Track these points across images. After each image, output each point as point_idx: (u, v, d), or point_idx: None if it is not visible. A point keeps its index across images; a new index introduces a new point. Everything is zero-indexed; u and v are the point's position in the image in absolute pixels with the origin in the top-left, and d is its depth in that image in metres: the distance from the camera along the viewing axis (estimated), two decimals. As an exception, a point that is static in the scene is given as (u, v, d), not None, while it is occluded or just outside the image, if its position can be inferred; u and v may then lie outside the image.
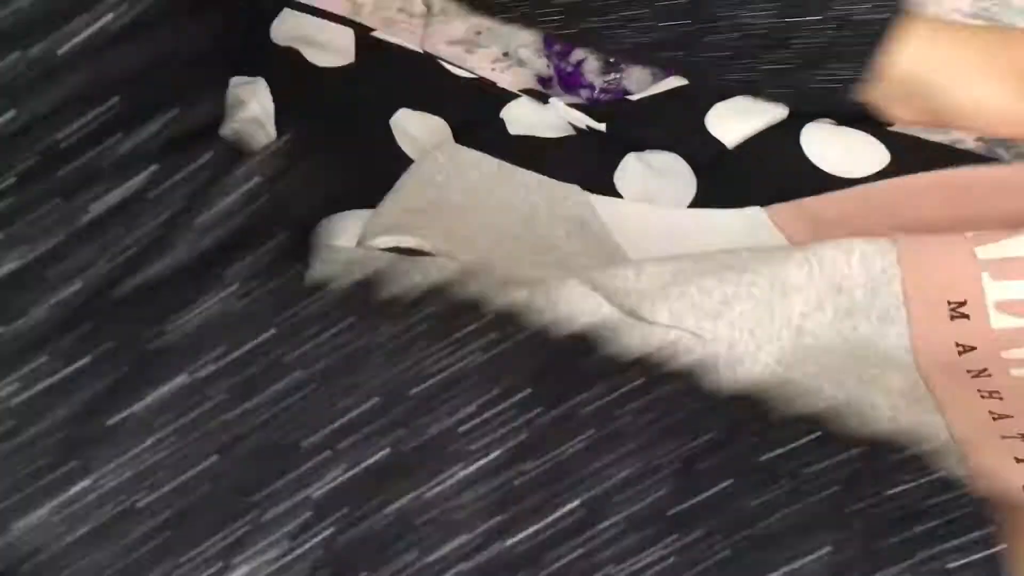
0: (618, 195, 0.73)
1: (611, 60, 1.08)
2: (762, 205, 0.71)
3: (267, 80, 0.75)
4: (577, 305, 0.54)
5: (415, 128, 0.75)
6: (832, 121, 0.79)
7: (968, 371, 0.50)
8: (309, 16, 0.81)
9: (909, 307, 0.53)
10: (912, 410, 0.49)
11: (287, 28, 0.79)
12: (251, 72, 0.75)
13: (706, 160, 0.75)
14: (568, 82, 1.04)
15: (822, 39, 0.52)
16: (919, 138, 0.80)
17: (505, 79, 1.07)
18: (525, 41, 1.14)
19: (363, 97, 0.76)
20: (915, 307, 0.52)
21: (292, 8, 0.81)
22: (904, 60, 0.52)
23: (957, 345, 0.51)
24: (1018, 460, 0.45)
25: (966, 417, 0.47)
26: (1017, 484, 0.44)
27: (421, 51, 0.87)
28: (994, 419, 0.47)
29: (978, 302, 0.51)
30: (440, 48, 1.16)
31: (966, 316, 0.51)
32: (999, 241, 0.52)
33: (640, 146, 0.77)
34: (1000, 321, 0.51)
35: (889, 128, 0.80)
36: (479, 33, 1.19)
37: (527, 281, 0.56)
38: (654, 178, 0.75)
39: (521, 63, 1.10)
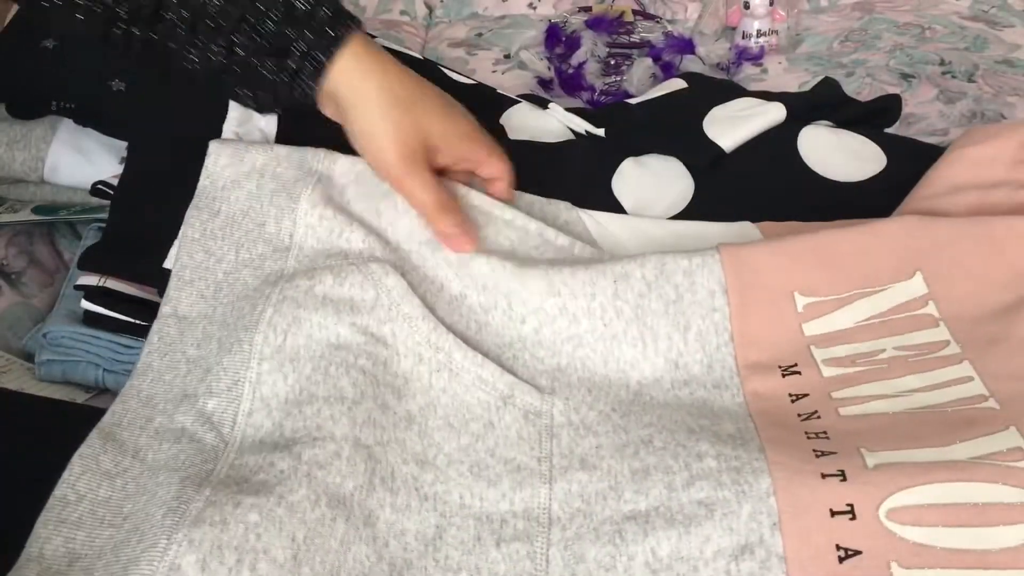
0: (616, 200, 0.74)
1: (611, 63, 1.09)
2: (758, 209, 0.72)
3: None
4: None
5: None
6: (830, 124, 0.79)
7: (799, 415, 0.53)
8: None
9: (742, 375, 0.56)
10: (737, 453, 0.51)
11: None
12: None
13: (703, 164, 0.76)
14: (569, 84, 1.05)
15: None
16: (916, 141, 0.80)
17: (506, 81, 1.08)
18: (526, 43, 1.15)
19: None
20: (748, 373, 0.56)
21: None
22: (333, 81, 0.61)
23: (790, 395, 0.54)
24: (833, 513, 0.45)
25: (789, 458, 0.48)
26: (827, 546, 0.45)
27: (421, 57, 0.87)
28: (817, 456, 0.48)
29: (808, 362, 0.55)
30: (442, 49, 1.17)
31: (798, 373, 0.55)
32: (823, 316, 0.57)
33: (638, 151, 0.77)
34: (830, 372, 0.55)
35: (887, 131, 0.81)
36: (480, 35, 1.20)
37: None
38: (652, 182, 0.75)
39: (522, 65, 1.11)
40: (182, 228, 0.66)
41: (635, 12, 1.17)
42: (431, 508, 0.53)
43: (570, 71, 1.06)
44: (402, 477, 0.54)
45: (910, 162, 0.75)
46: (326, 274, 0.60)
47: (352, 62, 0.61)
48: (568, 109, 0.82)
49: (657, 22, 1.15)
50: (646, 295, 0.61)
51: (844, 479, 0.45)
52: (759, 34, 1.08)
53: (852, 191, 0.73)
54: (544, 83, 1.05)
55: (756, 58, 1.07)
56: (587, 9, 1.18)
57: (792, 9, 1.11)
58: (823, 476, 0.46)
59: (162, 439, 0.55)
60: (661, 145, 0.76)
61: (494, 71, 1.09)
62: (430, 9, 1.26)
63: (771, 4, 1.07)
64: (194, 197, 0.67)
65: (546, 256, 0.66)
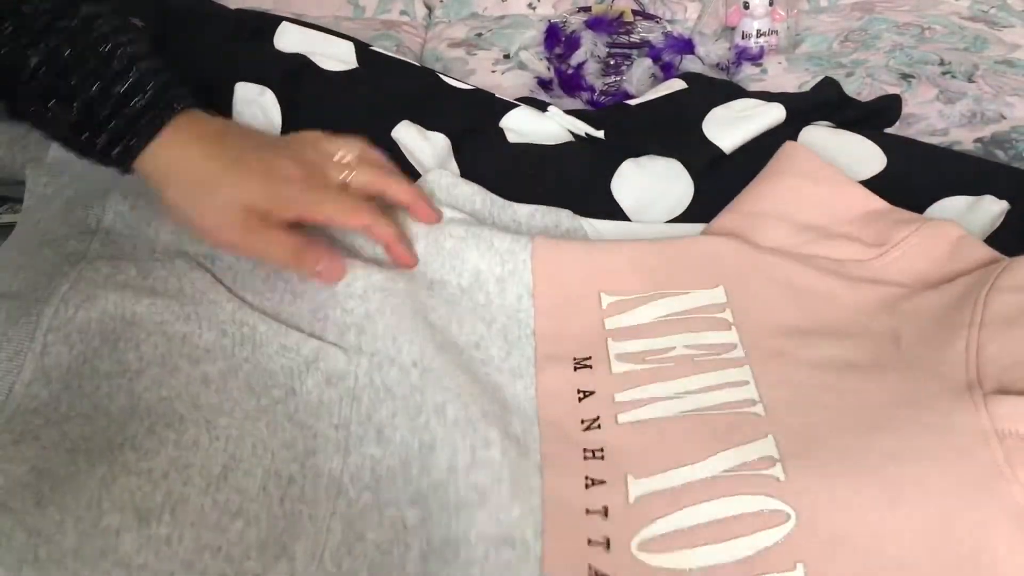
0: (615, 202, 0.74)
1: (611, 63, 1.09)
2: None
3: (274, 89, 0.75)
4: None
5: (415, 143, 0.75)
6: (830, 124, 0.79)
7: (582, 421, 0.56)
8: (308, 30, 0.81)
9: (538, 364, 0.59)
10: (519, 461, 0.53)
11: (289, 42, 0.80)
12: (258, 79, 0.75)
13: (703, 164, 0.76)
14: (568, 84, 1.05)
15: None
16: (916, 141, 0.80)
17: (505, 81, 1.08)
18: (526, 43, 1.15)
19: (366, 105, 0.76)
20: (543, 364, 0.59)
21: (289, 22, 0.82)
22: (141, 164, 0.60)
23: (578, 392, 0.57)
24: (590, 542, 0.49)
25: (562, 484, 0.52)
26: (581, 565, 0.48)
27: (418, 64, 0.87)
28: (587, 487, 0.52)
29: (602, 356, 0.59)
30: (441, 49, 1.17)
31: (589, 367, 0.58)
32: (625, 312, 0.61)
33: (638, 151, 0.77)
34: (619, 367, 0.58)
35: (886, 131, 0.81)
36: (480, 35, 1.20)
37: None
38: (651, 183, 0.75)
39: (522, 65, 1.11)
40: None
41: (635, 12, 1.17)
42: (222, 448, 0.52)
43: (570, 71, 1.06)
44: (192, 419, 0.52)
45: (910, 162, 0.75)
46: (130, 266, 0.61)
47: (160, 148, 0.60)
48: (567, 111, 0.82)
49: (657, 22, 1.15)
50: (459, 298, 0.64)
51: (605, 516, 0.50)
52: (759, 34, 1.08)
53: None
54: (544, 83, 1.05)
55: (756, 58, 1.08)
56: (587, 9, 1.18)
57: (792, 9, 1.11)
58: (587, 512, 0.50)
59: None
60: (661, 146, 0.76)
61: (493, 71, 1.09)
62: (430, 9, 1.26)
63: (771, 4, 1.07)
64: (21, 215, 0.68)
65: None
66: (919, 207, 0.71)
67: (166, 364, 0.55)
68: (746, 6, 1.07)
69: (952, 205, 0.72)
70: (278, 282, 0.63)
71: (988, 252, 0.62)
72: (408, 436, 0.55)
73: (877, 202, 0.67)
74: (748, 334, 0.59)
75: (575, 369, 0.59)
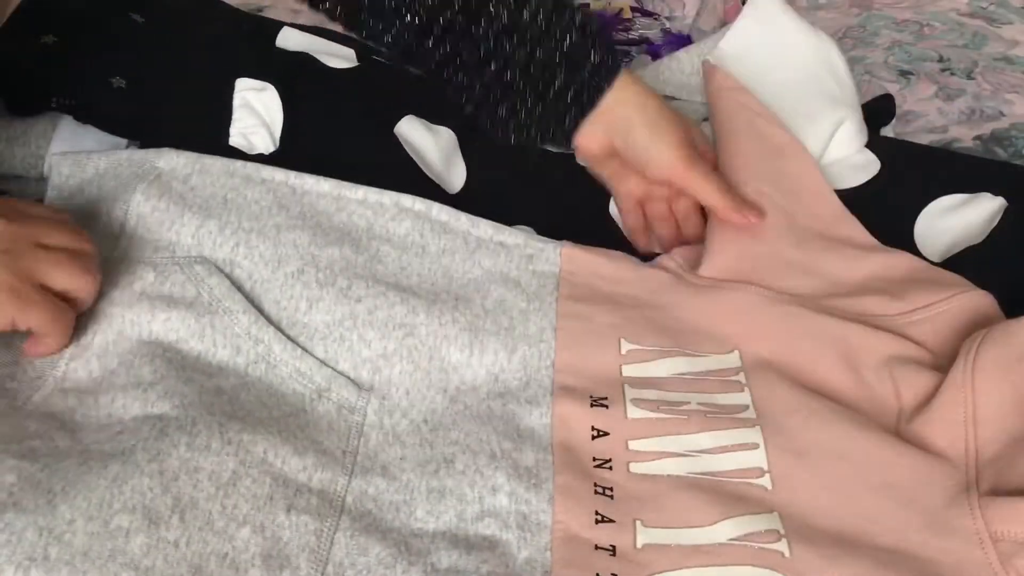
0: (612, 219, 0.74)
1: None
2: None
3: (275, 85, 0.75)
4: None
5: (420, 139, 0.75)
6: None
7: (594, 459, 0.56)
8: (309, 35, 0.81)
9: (555, 394, 0.60)
10: (528, 496, 0.54)
11: (290, 44, 0.80)
12: (261, 76, 0.75)
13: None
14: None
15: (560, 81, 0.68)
16: (911, 143, 0.80)
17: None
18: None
19: (370, 101, 0.76)
20: (560, 395, 0.60)
21: (291, 27, 0.82)
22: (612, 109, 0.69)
23: (592, 429, 0.58)
24: None
25: (572, 516, 0.53)
26: None
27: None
28: (596, 523, 0.53)
29: (618, 399, 0.59)
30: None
31: (605, 407, 0.59)
32: (644, 363, 0.62)
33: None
34: (634, 413, 0.58)
35: (881, 135, 0.80)
36: (479, 31, 1.20)
37: None
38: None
39: (521, 62, 1.11)
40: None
41: (633, 9, 1.17)
42: (232, 452, 0.53)
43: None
44: (204, 422, 0.53)
45: (905, 164, 0.75)
46: (148, 271, 0.62)
47: (625, 89, 0.69)
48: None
49: (655, 19, 1.15)
50: (482, 318, 0.64)
51: (614, 554, 0.51)
52: (758, 31, 1.07)
53: (846, 197, 0.73)
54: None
55: (755, 55, 1.07)
56: (585, 6, 1.18)
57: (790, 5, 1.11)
58: (596, 547, 0.51)
59: None
60: None
61: (493, 68, 1.09)
62: (429, 5, 1.25)
63: (770, 1, 1.07)
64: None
65: (402, 226, 0.68)
66: (916, 207, 0.71)
67: (180, 376, 0.56)
68: (744, 2, 1.07)
69: (949, 203, 0.72)
70: (296, 285, 0.63)
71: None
72: (415, 480, 0.56)
73: (918, 262, 0.67)
74: (761, 394, 0.59)
75: (591, 406, 0.59)
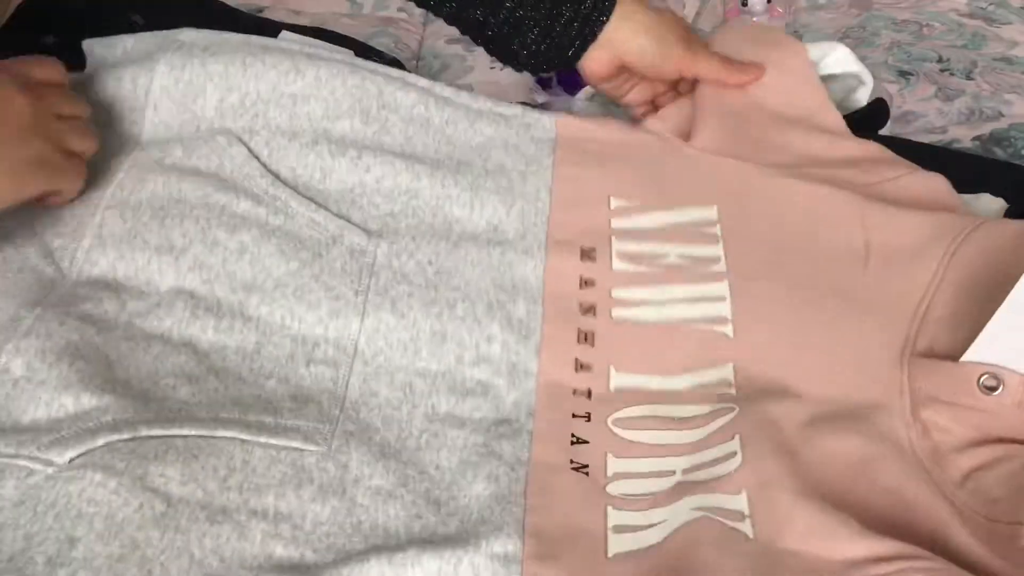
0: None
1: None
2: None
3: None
4: None
5: None
6: None
7: (580, 304, 0.64)
8: (308, 39, 0.81)
9: (548, 247, 0.67)
10: (518, 348, 0.62)
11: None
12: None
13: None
14: (567, 81, 1.05)
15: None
16: (911, 141, 0.80)
17: (504, 78, 1.08)
18: (524, 40, 1.15)
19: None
20: (553, 248, 0.67)
21: (290, 31, 0.82)
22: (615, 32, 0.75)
23: (580, 278, 0.65)
24: (574, 415, 0.59)
25: (555, 366, 0.61)
26: (565, 433, 0.58)
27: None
28: (576, 370, 0.61)
29: (605, 252, 0.66)
30: (439, 46, 1.17)
31: (593, 260, 0.66)
32: (630, 216, 0.68)
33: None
34: (619, 266, 0.66)
35: (880, 133, 0.80)
36: (479, 32, 1.19)
37: None
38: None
39: (520, 62, 1.11)
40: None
41: (633, 9, 1.16)
42: (253, 328, 0.61)
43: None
44: (228, 304, 0.62)
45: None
46: (176, 147, 0.68)
47: (623, 7, 0.75)
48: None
49: (655, 19, 1.15)
50: (483, 178, 0.70)
51: (588, 397, 0.60)
52: (757, 31, 1.07)
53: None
54: (542, 80, 1.05)
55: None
56: (585, 6, 1.18)
57: (790, 6, 1.11)
58: (574, 392, 0.60)
59: (7, 266, 0.61)
60: None
61: (492, 67, 1.09)
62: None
63: (769, 1, 1.07)
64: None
65: (409, 96, 0.72)
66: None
67: (206, 239, 0.63)
68: (744, 3, 1.07)
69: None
70: (311, 155, 0.69)
71: (969, 210, 0.69)
72: (421, 319, 0.62)
73: (887, 152, 0.73)
74: (733, 250, 0.66)
75: (580, 259, 0.66)
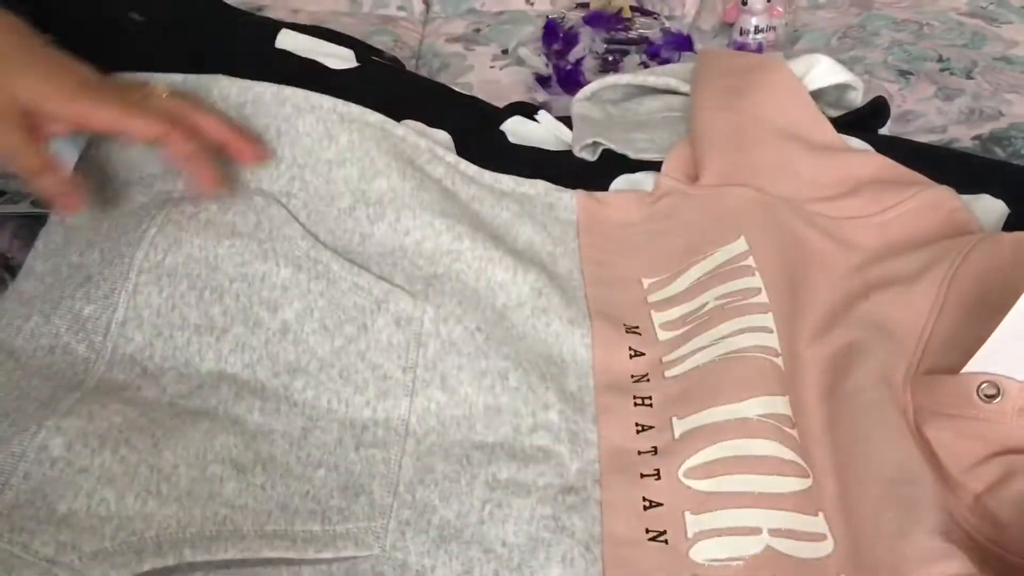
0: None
1: (609, 59, 1.09)
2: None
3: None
4: None
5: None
6: None
7: (632, 376, 0.62)
8: (308, 37, 0.81)
9: (593, 317, 0.65)
10: (576, 417, 0.59)
11: (288, 47, 0.79)
12: (257, 77, 0.75)
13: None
14: (567, 80, 1.05)
15: None
16: (911, 141, 0.80)
17: (504, 77, 1.08)
18: (524, 39, 1.15)
19: (368, 103, 0.76)
20: (597, 316, 0.65)
21: (289, 28, 0.81)
22: None
23: (630, 349, 0.63)
24: (643, 476, 0.56)
25: (615, 431, 0.58)
26: (636, 498, 0.55)
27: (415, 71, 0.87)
28: (637, 432, 0.58)
29: (648, 326, 0.65)
30: (439, 45, 1.17)
31: (638, 333, 0.64)
32: (664, 288, 0.67)
33: (633, 167, 0.77)
34: (664, 335, 0.64)
35: (880, 132, 0.80)
36: (478, 31, 1.19)
37: None
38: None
39: (520, 61, 1.11)
40: (84, 147, 0.68)
41: (633, 8, 1.17)
42: (299, 413, 0.58)
43: (568, 67, 1.06)
44: (272, 388, 0.58)
45: (905, 162, 0.74)
46: (211, 202, 0.63)
47: None
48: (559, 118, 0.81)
49: (655, 18, 1.15)
50: (519, 255, 0.67)
51: (655, 454, 0.57)
52: (757, 30, 1.08)
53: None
54: (542, 79, 1.05)
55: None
56: (585, 5, 1.18)
57: (790, 5, 1.11)
58: (639, 452, 0.57)
59: (37, 341, 0.58)
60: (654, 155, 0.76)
61: (492, 67, 1.09)
62: (427, 5, 1.26)
63: (768, 0, 1.07)
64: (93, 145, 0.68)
65: (437, 170, 0.70)
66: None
67: (248, 319, 0.60)
68: (744, 2, 1.07)
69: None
70: (348, 221, 0.66)
71: (977, 224, 0.67)
72: (473, 394, 0.60)
73: (883, 160, 0.72)
74: (769, 282, 0.64)
75: (627, 332, 0.64)
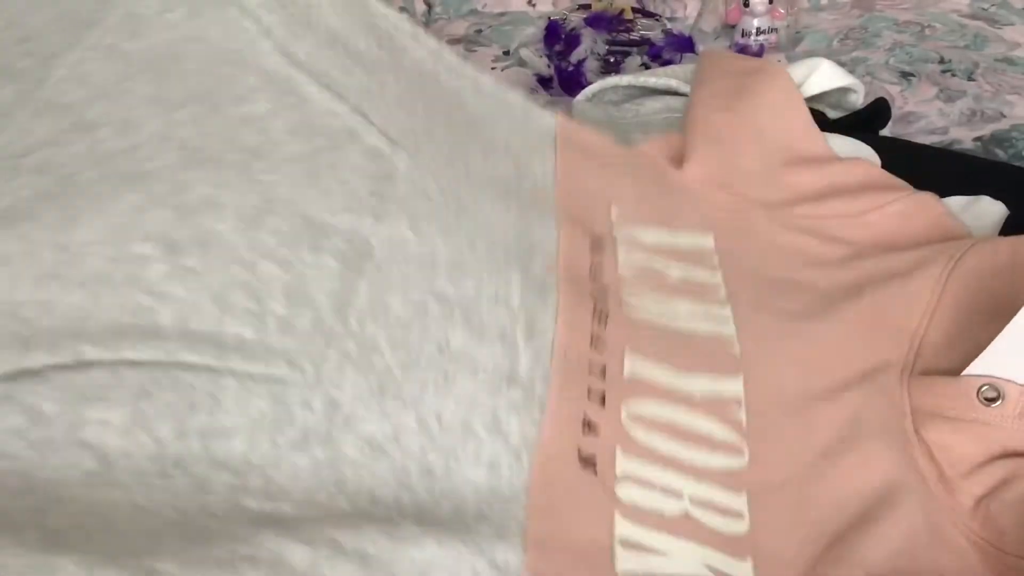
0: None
1: (611, 60, 1.09)
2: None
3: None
4: None
5: None
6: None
7: (592, 283, 0.59)
8: None
9: (561, 220, 0.62)
10: (535, 303, 0.54)
11: None
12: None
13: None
14: (568, 82, 1.05)
15: None
16: (910, 141, 0.80)
17: (505, 78, 1.08)
18: (526, 40, 1.15)
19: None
20: (566, 221, 0.62)
21: None
22: None
23: (591, 263, 0.61)
24: (589, 393, 0.53)
25: (571, 332, 0.55)
26: (578, 413, 0.52)
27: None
28: (590, 344, 0.55)
29: (610, 250, 0.62)
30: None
31: (601, 252, 0.62)
32: (631, 228, 0.64)
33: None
34: (623, 271, 0.61)
35: (881, 135, 0.80)
36: (480, 32, 1.20)
37: None
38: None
39: (522, 62, 1.11)
40: None
41: (634, 10, 1.17)
42: (253, 191, 0.49)
43: (569, 69, 1.06)
44: (228, 162, 0.49)
45: (906, 163, 0.75)
46: (180, 4, 0.57)
47: None
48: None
49: (657, 20, 1.15)
50: (492, 145, 0.64)
51: (603, 376, 0.54)
52: (758, 32, 1.08)
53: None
54: (543, 81, 1.05)
55: (755, 56, 1.07)
56: (586, 7, 1.18)
57: (792, 7, 1.11)
58: (590, 365, 0.54)
59: None
60: None
61: (493, 67, 1.09)
62: (429, 6, 1.26)
63: (770, 2, 1.07)
64: None
65: (419, 52, 0.66)
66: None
67: (205, 101, 0.52)
68: (746, 4, 1.07)
69: (949, 205, 0.72)
70: (327, 51, 0.59)
71: (964, 230, 0.67)
72: (440, 244, 0.53)
73: (872, 168, 0.72)
74: (731, 281, 0.63)
75: (590, 247, 0.62)
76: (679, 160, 0.72)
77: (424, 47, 0.67)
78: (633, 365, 0.55)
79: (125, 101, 0.50)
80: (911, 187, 0.70)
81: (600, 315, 0.57)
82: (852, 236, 0.68)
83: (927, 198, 0.69)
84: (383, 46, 0.63)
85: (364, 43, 0.62)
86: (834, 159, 0.73)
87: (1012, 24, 1.11)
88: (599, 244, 0.62)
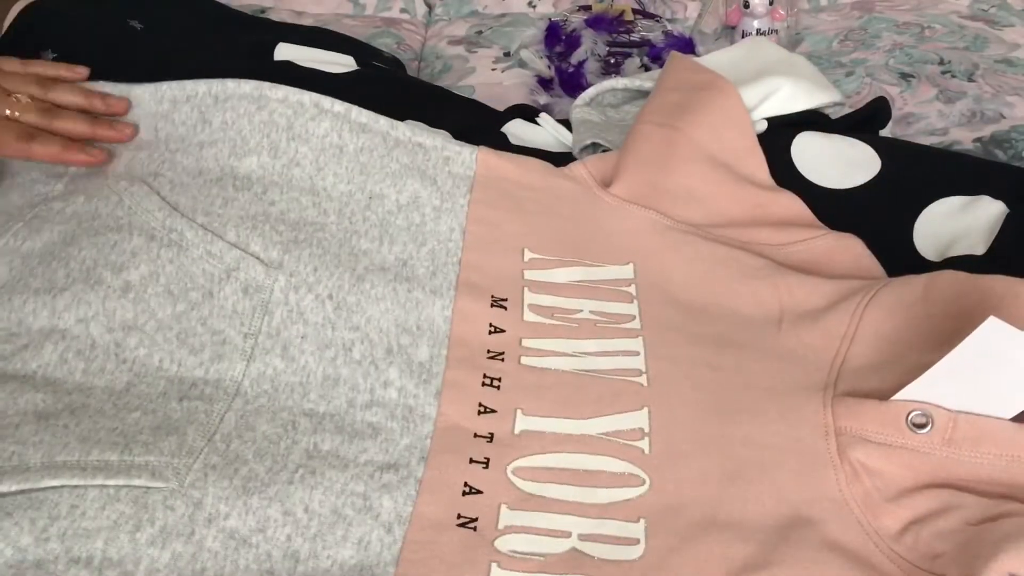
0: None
1: (611, 61, 1.09)
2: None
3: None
4: None
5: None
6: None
7: (488, 351, 0.61)
8: (307, 49, 0.81)
9: (459, 289, 0.64)
10: (417, 392, 0.58)
11: (287, 58, 0.80)
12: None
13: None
14: (569, 83, 1.05)
15: None
16: (909, 142, 0.80)
17: (506, 79, 1.08)
18: (526, 41, 1.15)
19: (368, 106, 0.76)
20: (464, 290, 0.64)
21: (288, 44, 0.81)
22: None
23: (490, 325, 0.63)
24: (471, 460, 0.55)
25: (456, 408, 0.58)
26: (459, 481, 0.54)
27: (416, 76, 0.87)
28: (479, 413, 0.58)
29: (517, 302, 0.64)
30: (441, 47, 1.17)
31: (504, 308, 0.64)
32: (544, 270, 0.66)
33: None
34: (530, 317, 0.64)
35: (881, 136, 0.80)
36: (480, 33, 1.20)
37: None
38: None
39: (522, 63, 1.11)
40: None
41: (635, 11, 1.17)
42: (127, 369, 0.58)
43: (570, 70, 1.06)
44: (103, 344, 0.58)
45: (905, 163, 0.75)
46: (79, 196, 0.66)
47: None
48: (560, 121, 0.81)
49: (657, 21, 1.16)
50: (394, 214, 0.67)
51: (491, 441, 0.56)
52: (759, 33, 1.08)
53: (846, 197, 0.73)
54: (544, 82, 1.06)
55: (756, 57, 1.08)
56: (587, 8, 1.18)
57: (792, 8, 1.11)
58: (475, 435, 0.56)
59: None
60: None
61: (494, 69, 1.10)
62: (430, 7, 1.26)
63: (771, 3, 1.07)
64: None
65: (321, 126, 0.70)
66: (915, 208, 0.71)
67: (90, 278, 0.60)
68: (746, 5, 1.07)
69: (948, 205, 0.72)
70: (214, 188, 0.67)
71: (880, 271, 0.68)
72: (313, 363, 0.59)
73: (800, 204, 0.72)
74: (648, 308, 0.64)
75: (491, 305, 0.63)
76: (609, 178, 0.72)
77: (329, 115, 0.70)
78: (525, 423, 0.57)
79: (19, 298, 0.60)
80: (831, 230, 0.71)
81: (492, 382, 0.59)
82: (779, 260, 0.68)
83: (850, 239, 0.69)
84: (278, 154, 0.68)
85: (256, 161, 0.68)
86: (770, 188, 0.73)
87: (1012, 25, 1.11)
88: (502, 301, 0.64)
